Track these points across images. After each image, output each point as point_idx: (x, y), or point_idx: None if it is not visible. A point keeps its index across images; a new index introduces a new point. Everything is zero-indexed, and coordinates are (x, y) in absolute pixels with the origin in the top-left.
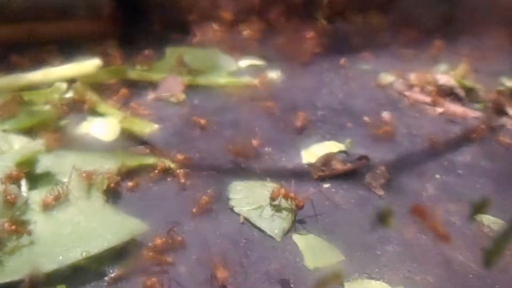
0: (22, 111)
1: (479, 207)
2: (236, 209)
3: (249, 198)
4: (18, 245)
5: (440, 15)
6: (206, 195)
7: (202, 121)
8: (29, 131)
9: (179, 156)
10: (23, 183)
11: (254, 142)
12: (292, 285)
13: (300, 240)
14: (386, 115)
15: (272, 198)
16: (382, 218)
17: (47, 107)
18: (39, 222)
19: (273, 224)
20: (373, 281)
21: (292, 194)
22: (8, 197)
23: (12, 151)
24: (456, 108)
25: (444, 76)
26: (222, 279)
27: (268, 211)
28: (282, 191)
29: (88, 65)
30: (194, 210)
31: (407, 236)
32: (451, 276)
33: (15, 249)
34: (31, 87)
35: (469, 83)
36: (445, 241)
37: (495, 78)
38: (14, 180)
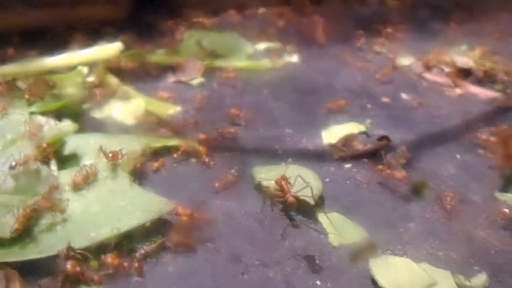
0: (48, 94)
1: None
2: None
3: (272, 177)
4: (52, 223)
5: None
6: (230, 174)
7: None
8: (55, 114)
9: (201, 136)
10: (53, 163)
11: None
12: (317, 261)
13: (324, 218)
14: (405, 96)
15: (276, 183)
16: (416, 190)
17: (71, 90)
18: (70, 201)
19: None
20: (397, 257)
21: (288, 194)
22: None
23: (41, 133)
24: (475, 89)
25: (463, 57)
26: None
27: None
28: (284, 185)
29: (109, 49)
30: (216, 184)
31: (428, 214)
32: (474, 252)
33: (50, 227)
34: (54, 71)
35: (487, 64)
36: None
37: None
38: (44, 158)
